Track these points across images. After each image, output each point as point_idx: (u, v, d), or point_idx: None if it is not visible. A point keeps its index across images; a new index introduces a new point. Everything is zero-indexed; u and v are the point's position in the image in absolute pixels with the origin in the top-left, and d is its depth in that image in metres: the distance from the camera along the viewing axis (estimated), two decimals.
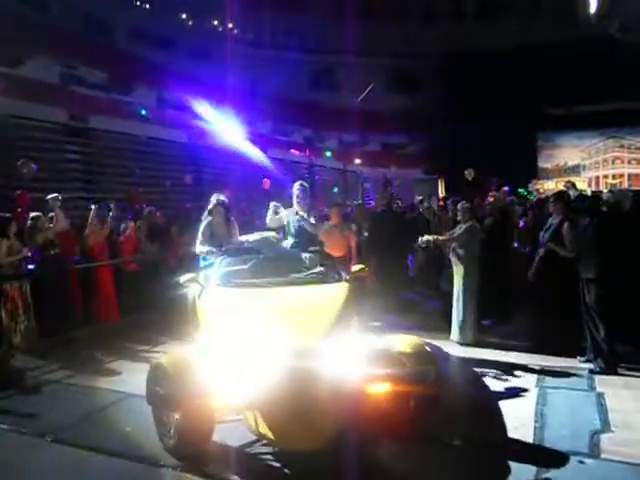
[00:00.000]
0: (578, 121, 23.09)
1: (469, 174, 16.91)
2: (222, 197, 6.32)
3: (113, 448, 4.03)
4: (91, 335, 7.45)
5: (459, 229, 6.78)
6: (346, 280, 4.98)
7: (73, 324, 7.34)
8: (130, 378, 5.65)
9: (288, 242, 6.49)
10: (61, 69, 16.15)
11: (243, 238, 6.09)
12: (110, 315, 7.94)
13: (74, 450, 4.09)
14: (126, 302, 8.14)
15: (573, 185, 9.00)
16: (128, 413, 4.74)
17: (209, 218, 6.23)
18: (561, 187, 14.13)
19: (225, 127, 22.11)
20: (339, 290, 4.77)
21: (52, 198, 7.75)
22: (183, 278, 5.12)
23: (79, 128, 16.15)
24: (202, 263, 6.01)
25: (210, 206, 6.26)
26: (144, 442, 4.11)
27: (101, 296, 7.94)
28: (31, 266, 7.11)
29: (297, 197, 6.47)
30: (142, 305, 8.02)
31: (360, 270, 5.36)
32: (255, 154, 23.78)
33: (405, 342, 4.23)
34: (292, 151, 26.14)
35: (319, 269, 5.22)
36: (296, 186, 6.52)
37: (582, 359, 5.74)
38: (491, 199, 8.15)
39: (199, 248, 6.04)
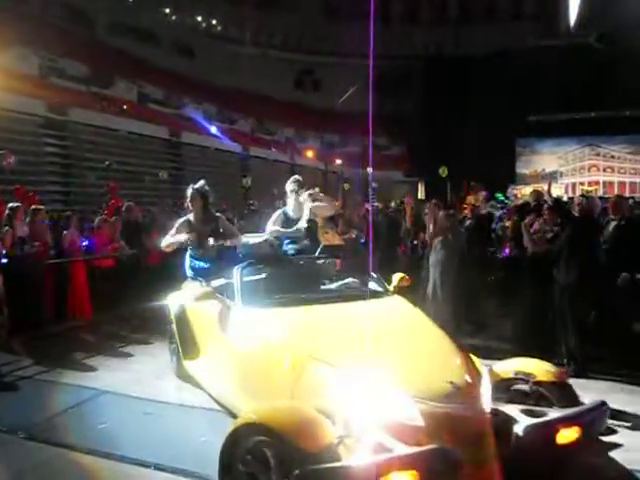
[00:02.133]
0: (557, 128, 23.47)
1: (442, 171, 17.76)
2: (200, 185, 5.52)
3: (87, 445, 3.98)
4: (65, 331, 7.35)
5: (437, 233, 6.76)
6: (393, 293, 4.47)
7: (46, 320, 7.24)
8: (104, 375, 5.60)
9: (299, 245, 5.48)
10: (40, 61, 15.92)
11: (243, 240, 5.57)
12: (84, 312, 7.84)
13: (47, 447, 4.02)
14: (100, 299, 8.03)
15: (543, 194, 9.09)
16: (102, 410, 4.70)
17: (189, 215, 5.55)
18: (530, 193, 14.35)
19: (207, 124, 22.03)
20: (405, 306, 4.19)
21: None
22: (195, 294, 4.57)
23: (58, 121, 15.96)
24: (188, 269, 5.46)
25: (188, 197, 5.48)
26: (118, 439, 4.07)
27: (75, 292, 7.83)
28: (4, 260, 6.98)
29: (293, 192, 5.61)
30: (116, 302, 7.92)
31: (402, 280, 4.69)
32: (236, 152, 23.73)
33: (539, 369, 3.45)
34: (273, 150, 26.13)
35: (351, 279, 4.64)
36: (291, 181, 5.71)
37: (554, 362, 5.82)
38: (469, 204, 8.27)
39: (165, 241, 5.43)
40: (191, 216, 5.49)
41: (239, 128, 24.65)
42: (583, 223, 6.10)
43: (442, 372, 3.09)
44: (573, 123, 22.80)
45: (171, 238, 5.40)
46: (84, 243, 8.12)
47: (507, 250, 7.69)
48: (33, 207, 7.37)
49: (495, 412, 2.94)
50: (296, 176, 5.81)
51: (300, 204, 5.55)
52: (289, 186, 5.63)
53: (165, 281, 7.80)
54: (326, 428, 2.73)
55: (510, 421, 2.92)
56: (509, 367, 3.52)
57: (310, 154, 26.28)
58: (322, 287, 4.58)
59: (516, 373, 3.38)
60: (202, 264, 5.28)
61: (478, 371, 3.27)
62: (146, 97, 19.84)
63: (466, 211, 8.67)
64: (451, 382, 2.95)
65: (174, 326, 5.25)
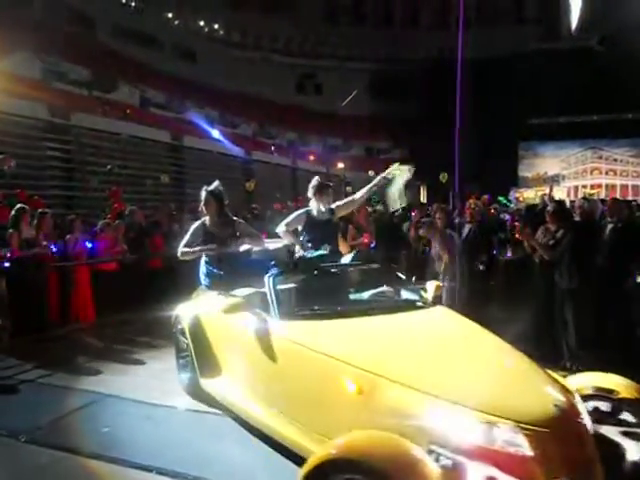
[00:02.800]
0: (559, 131, 23.48)
1: (442, 177, 17.88)
2: (214, 186, 5.11)
3: (90, 449, 3.96)
4: (68, 334, 7.34)
5: (435, 246, 6.74)
6: (434, 302, 4.15)
7: (49, 323, 7.24)
8: (108, 378, 5.59)
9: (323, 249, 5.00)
10: (43, 64, 15.97)
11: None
12: (87, 315, 7.83)
13: (49, 451, 3.99)
14: (103, 302, 8.01)
15: (549, 198, 9.11)
16: (106, 414, 4.68)
17: (204, 218, 5.16)
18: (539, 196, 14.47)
19: (209, 128, 22.07)
20: (459, 317, 3.89)
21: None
22: (227, 306, 4.10)
23: (60, 125, 15.99)
24: (204, 278, 5.11)
25: (201, 200, 5.09)
26: (122, 443, 4.05)
27: (79, 296, 7.83)
28: (7, 264, 6.98)
29: (318, 193, 5.24)
30: (120, 305, 7.91)
31: (437, 289, 4.30)
32: (238, 156, 23.77)
33: (620, 385, 3.14)
34: (275, 154, 26.17)
35: (386, 287, 4.30)
36: (313, 183, 5.35)
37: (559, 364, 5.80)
38: (470, 206, 8.20)
39: (181, 249, 5.03)
40: (207, 220, 5.11)
41: (241, 132, 24.68)
42: (584, 228, 6.07)
43: (540, 393, 2.79)
44: (575, 126, 22.83)
45: (189, 249, 4.98)
46: (87, 245, 8.11)
47: (509, 253, 7.66)
48: (40, 210, 7.36)
49: (597, 435, 2.69)
50: (317, 177, 5.54)
51: (322, 206, 5.27)
52: (312, 188, 5.34)
53: (168, 285, 7.83)
54: (427, 462, 2.41)
55: (614, 445, 2.70)
56: (586, 382, 3.21)
57: (312, 158, 26.30)
58: (359, 296, 4.22)
59: (595, 389, 3.10)
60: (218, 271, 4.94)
61: (569, 389, 2.97)
62: (148, 101, 19.88)
63: (468, 214, 8.62)
64: (555, 404, 2.64)
65: (188, 340, 4.80)
